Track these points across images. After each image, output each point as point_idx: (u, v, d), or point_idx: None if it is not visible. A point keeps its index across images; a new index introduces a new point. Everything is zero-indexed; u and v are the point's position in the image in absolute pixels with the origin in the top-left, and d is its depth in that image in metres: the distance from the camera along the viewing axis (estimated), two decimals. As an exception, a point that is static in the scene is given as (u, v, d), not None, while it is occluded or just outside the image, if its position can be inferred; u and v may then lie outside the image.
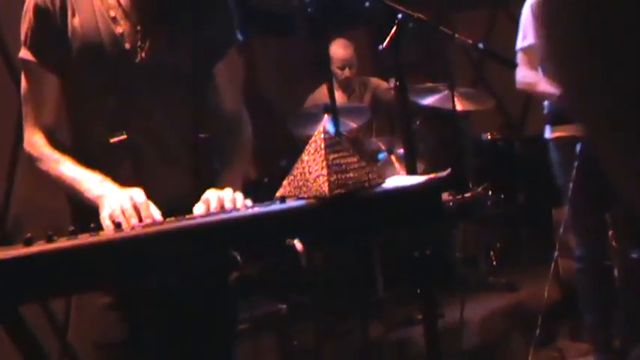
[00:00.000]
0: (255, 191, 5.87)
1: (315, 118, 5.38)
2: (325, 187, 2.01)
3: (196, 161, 2.53)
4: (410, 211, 2.14)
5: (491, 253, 6.16)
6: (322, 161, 2.04)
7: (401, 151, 5.58)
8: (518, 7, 4.78)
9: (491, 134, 6.29)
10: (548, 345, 4.96)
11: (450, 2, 7.48)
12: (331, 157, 2.05)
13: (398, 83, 2.54)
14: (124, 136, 2.42)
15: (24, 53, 2.47)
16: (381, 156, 5.76)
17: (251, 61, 6.91)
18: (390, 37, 2.61)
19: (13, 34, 2.63)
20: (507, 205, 6.01)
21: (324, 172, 2.02)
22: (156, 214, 2.20)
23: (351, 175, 2.06)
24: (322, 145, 2.06)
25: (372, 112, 5.94)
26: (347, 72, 6.11)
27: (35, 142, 2.49)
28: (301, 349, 4.93)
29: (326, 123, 5.34)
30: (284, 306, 4.65)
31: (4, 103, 3.97)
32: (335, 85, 5.59)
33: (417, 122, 5.72)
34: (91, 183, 2.35)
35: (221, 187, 2.38)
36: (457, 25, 7.94)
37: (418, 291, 5.31)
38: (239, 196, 2.33)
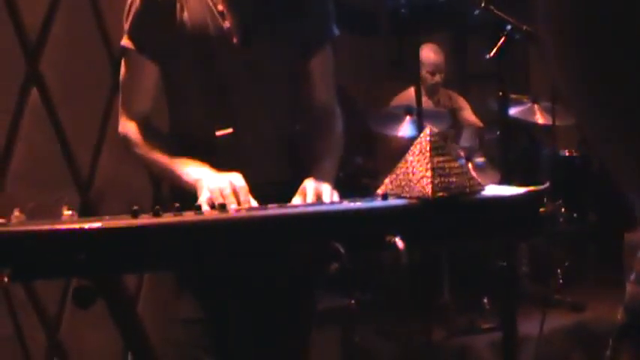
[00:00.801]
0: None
1: (397, 119, 5.39)
2: (429, 189, 2.03)
3: (292, 152, 2.57)
4: (510, 221, 2.15)
5: (559, 270, 6.09)
6: (427, 163, 2.06)
7: (479, 160, 5.57)
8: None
9: (569, 151, 6.23)
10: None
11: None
12: (436, 159, 2.07)
13: (501, 94, 2.55)
14: (230, 130, 2.45)
15: (125, 42, 2.52)
16: (460, 161, 5.74)
17: (336, 57, 6.93)
18: (498, 47, 2.61)
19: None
20: (579, 224, 5.94)
21: (429, 173, 2.04)
22: (253, 200, 2.24)
23: (454, 179, 2.07)
24: (428, 148, 2.08)
25: (454, 122, 5.93)
26: (437, 77, 6.11)
27: (130, 127, 2.54)
28: (362, 347, 4.94)
29: (407, 124, 5.36)
30: (352, 302, 4.67)
31: (97, 77, 4.07)
32: (422, 89, 5.61)
33: (497, 133, 5.69)
34: (189, 167, 2.40)
35: (316, 179, 2.41)
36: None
37: (485, 300, 5.37)
38: (333, 191, 2.36)
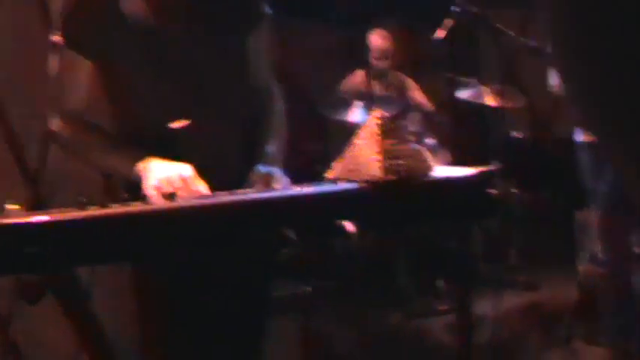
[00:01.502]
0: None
1: (347, 103, 5.39)
2: (378, 172, 2.02)
3: (247, 136, 2.54)
4: (462, 202, 2.16)
5: (512, 251, 6.15)
6: (376, 146, 2.05)
7: (429, 141, 5.58)
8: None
9: (520, 133, 6.28)
10: (562, 346, 4.96)
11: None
12: (385, 142, 2.06)
13: (449, 75, 2.55)
14: (187, 122, 2.40)
15: (57, 37, 2.45)
16: (413, 146, 5.75)
17: (285, 44, 6.91)
18: (447, 29, 2.61)
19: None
20: (531, 204, 6.00)
21: (378, 157, 2.04)
22: (203, 189, 2.20)
23: (404, 162, 2.07)
24: (377, 131, 2.07)
25: (405, 105, 5.95)
26: (385, 63, 6.10)
27: (64, 126, 2.49)
28: (320, 333, 4.95)
29: (357, 109, 5.36)
30: (308, 288, 4.66)
31: (43, 68, 4.00)
32: (370, 73, 5.62)
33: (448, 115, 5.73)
34: (135, 155, 2.34)
35: (265, 164, 2.39)
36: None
37: (440, 282, 5.40)
38: (284, 175, 2.35)
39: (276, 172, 2.34)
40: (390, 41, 6.13)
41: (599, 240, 4.59)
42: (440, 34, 2.58)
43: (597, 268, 4.60)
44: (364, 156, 2.07)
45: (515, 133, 6.27)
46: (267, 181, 2.30)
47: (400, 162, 2.06)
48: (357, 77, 5.91)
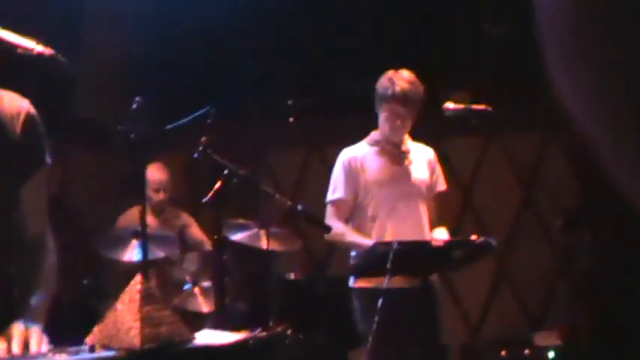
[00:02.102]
0: (54, 309, 5.66)
1: (124, 242, 5.32)
2: (137, 340, 1.99)
3: (6, 290, 2.44)
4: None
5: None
6: (136, 312, 2.03)
7: (206, 283, 5.60)
8: (331, 150, 5.01)
9: (295, 273, 6.39)
10: None
11: (267, 144, 7.70)
12: (145, 309, 2.04)
13: (216, 237, 2.58)
14: None
15: None
16: (186, 287, 5.73)
17: (64, 174, 6.79)
18: (214, 191, 2.66)
19: None
20: (306, 345, 6.06)
21: (137, 324, 2.01)
22: None
23: (164, 329, 2.05)
24: (137, 297, 2.05)
25: (181, 243, 5.95)
26: (161, 195, 6.13)
27: None
28: None
29: (133, 248, 5.29)
30: None
31: None
32: (148, 210, 5.57)
33: (225, 257, 5.75)
34: None
35: (26, 318, 2.30)
36: (273, 164, 8.22)
37: None
38: (42, 335, 2.26)
39: (35, 329, 2.24)
40: (166, 173, 6.19)
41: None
42: (210, 195, 2.62)
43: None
44: (124, 322, 2.04)
45: (290, 275, 6.37)
46: (23, 342, 2.20)
47: (161, 329, 2.04)
48: (134, 212, 5.87)
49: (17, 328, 2.24)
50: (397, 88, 4.58)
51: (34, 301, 2.44)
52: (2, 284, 2.44)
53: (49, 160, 2.59)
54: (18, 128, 2.51)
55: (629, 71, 0.69)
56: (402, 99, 4.58)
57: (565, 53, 0.74)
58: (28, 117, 2.55)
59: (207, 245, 6.13)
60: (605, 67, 0.71)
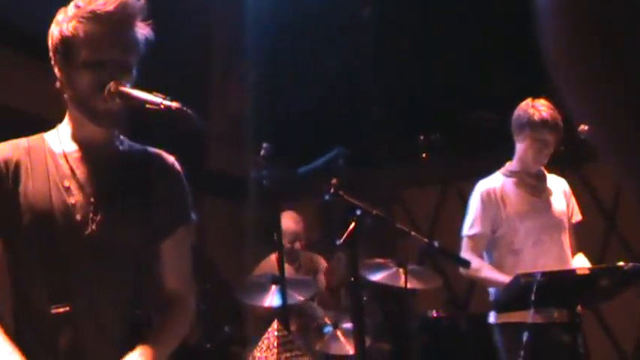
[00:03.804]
0: (196, 356, 5.77)
1: (263, 288, 5.35)
2: (276, 387, 1.97)
3: (133, 339, 2.48)
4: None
5: None
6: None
7: (347, 325, 5.56)
8: (467, 185, 4.91)
9: (436, 312, 6.30)
10: None
11: (403, 179, 7.65)
12: (283, 356, 2.02)
13: (352, 279, 2.55)
14: (67, 308, 2.37)
15: None
16: (327, 330, 5.71)
17: (202, 224, 6.92)
18: (348, 233, 2.63)
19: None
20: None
21: (276, 370, 1.99)
22: None
23: (303, 374, 2.03)
24: (275, 344, 2.03)
25: (317, 287, 5.96)
26: (297, 245, 6.19)
27: None
28: None
29: (272, 293, 5.32)
30: None
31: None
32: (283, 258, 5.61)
33: (365, 298, 5.71)
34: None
35: (139, 355, 2.32)
36: (408, 200, 8.17)
37: None
38: None
39: None
40: (300, 224, 6.23)
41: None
42: (344, 238, 2.60)
43: None
44: (262, 368, 2.02)
45: (432, 313, 6.28)
46: None
47: (299, 374, 2.01)
48: (271, 260, 5.92)
49: None
50: (544, 114, 4.46)
51: (154, 346, 2.45)
52: (127, 326, 2.47)
53: (193, 216, 2.64)
54: (165, 184, 2.58)
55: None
56: (550, 125, 4.45)
57: (558, 49, 0.75)
58: (175, 173, 2.63)
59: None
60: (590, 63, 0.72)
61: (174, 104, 2.33)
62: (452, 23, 7.42)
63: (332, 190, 3.02)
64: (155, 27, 2.51)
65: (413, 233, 2.99)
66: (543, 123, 4.45)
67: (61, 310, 2.37)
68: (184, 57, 6.43)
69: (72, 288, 2.41)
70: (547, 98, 4.55)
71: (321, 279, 6.26)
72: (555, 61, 0.76)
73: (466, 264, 4.07)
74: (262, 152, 3.70)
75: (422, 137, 7.10)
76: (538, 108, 4.49)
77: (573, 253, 4.66)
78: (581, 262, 4.59)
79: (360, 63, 7.01)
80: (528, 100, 4.57)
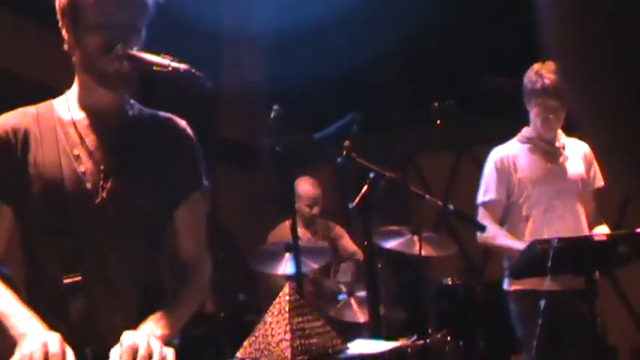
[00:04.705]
0: (211, 325, 5.75)
1: (277, 256, 5.32)
2: (288, 353, 1.93)
3: (146, 307, 2.45)
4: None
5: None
6: (286, 325, 1.97)
7: (361, 293, 5.54)
8: (482, 151, 4.85)
9: (452, 279, 6.26)
10: None
11: (417, 145, 7.59)
12: (295, 320, 1.98)
13: (366, 243, 2.50)
14: (79, 277, 2.35)
15: None
16: (341, 297, 5.69)
17: (214, 192, 6.89)
18: (361, 196, 2.58)
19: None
20: (467, 351, 5.92)
21: (288, 336, 1.95)
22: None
23: (315, 340, 1.99)
24: (287, 308, 1.99)
25: (333, 254, 5.92)
26: (315, 210, 6.15)
27: None
28: None
29: (286, 261, 5.29)
30: None
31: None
32: (298, 222, 5.57)
33: (379, 265, 5.67)
34: (18, 319, 2.27)
35: (154, 330, 2.29)
36: (422, 166, 8.11)
37: None
38: (168, 350, 2.21)
39: (155, 345, 2.19)
40: (318, 189, 6.19)
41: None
42: (357, 201, 2.56)
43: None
44: (274, 334, 1.98)
45: (447, 281, 6.24)
46: (147, 355, 2.15)
47: (311, 340, 1.97)
48: (285, 227, 5.89)
49: (142, 340, 2.19)
50: (547, 81, 4.37)
51: (171, 313, 2.42)
52: (141, 294, 2.44)
53: (205, 182, 2.61)
54: (177, 149, 2.55)
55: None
56: (553, 91, 4.37)
57: (561, 46, 0.74)
58: (187, 138, 2.60)
59: (360, 256, 6.08)
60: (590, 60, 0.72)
61: (183, 65, 2.29)
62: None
63: (345, 153, 2.97)
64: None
65: (427, 196, 2.94)
66: (547, 90, 4.37)
67: (73, 279, 2.35)
68: (196, 23, 6.37)
69: (83, 257, 2.39)
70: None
71: (341, 245, 6.23)
72: (556, 59, 0.75)
73: (482, 228, 4.02)
74: (273, 114, 3.64)
75: (436, 104, 7.01)
76: (544, 74, 4.40)
77: (594, 220, 4.60)
78: (602, 232, 4.53)
79: (374, 27, 6.93)
80: (535, 66, 4.49)
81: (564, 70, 0.76)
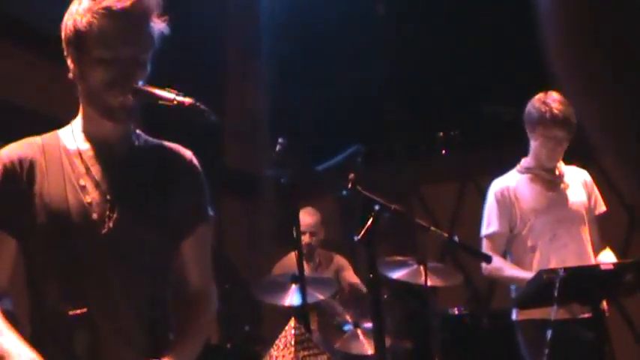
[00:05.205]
0: (217, 356, 5.73)
1: (282, 287, 5.31)
2: (295, 387, 1.93)
3: (152, 341, 2.44)
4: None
5: None
6: (292, 359, 1.96)
7: (367, 324, 5.51)
8: (486, 181, 4.85)
9: (458, 309, 6.24)
10: None
11: (422, 175, 7.59)
12: (301, 354, 1.97)
13: (371, 276, 2.50)
14: (85, 309, 2.33)
15: None
16: (347, 327, 5.67)
17: (219, 223, 6.90)
18: (366, 229, 2.58)
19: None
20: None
21: (294, 369, 1.95)
22: None
23: (321, 373, 1.98)
24: (292, 342, 1.99)
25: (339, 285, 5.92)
26: (307, 238, 6.12)
27: None
28: None
29: (292, 292, 5.28)
30: None
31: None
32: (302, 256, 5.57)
33: (385, 296, 5.66)
34: (5, 344, 2.28)
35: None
36: (427, 199, 8.11)
37: None
38: None
39: None
40: (317, 217, 6.20)
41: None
42: (362, 233, 2.56)
43: None
44: (280, 368, 1.97)
45: (453, 311, 6.22)
46: None
47: (317, 374, 1.97)
48: (290, 258, 5.89)
49: None
50: (555, 111, 4.35)
51: (182, 349, 2.43)
52: (146, 327, 2.44)
53: (211, 212, 2.61)
54: (182, 180, 2.56)
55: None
56: (561, 122, 4.35)
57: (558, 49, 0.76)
58: (192, 168, 2.60)
59: (362, 288, 6.08)
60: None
61: (187, 100, 2.29)
62: (466, 15, 7.38)
63: (350, 185, 2.98)
64: (171, 24, 2.47)
65: (432, 228, 2.94)
66: (555, 121, 4.35)
67: (78, 312, 2.34)
68: (200, 54, 6.40)
69: (89, 289, 2.38)
70: (559, 90, 4.45)
71: (343, 277, 6.22)
72: (555, 63, 0.77)
73: (487, 258, 4.01)
74: (277, 148, 3.65)
75: (441, 134, 7.02)
76: (549, 104, 4.38)
77: (598, 246, 4.59)
78: (608, 258, 4.51)
79: (377, 60, 6.96)
80: (540, 95, 4.47)
81: (564, 71, 0.76)
